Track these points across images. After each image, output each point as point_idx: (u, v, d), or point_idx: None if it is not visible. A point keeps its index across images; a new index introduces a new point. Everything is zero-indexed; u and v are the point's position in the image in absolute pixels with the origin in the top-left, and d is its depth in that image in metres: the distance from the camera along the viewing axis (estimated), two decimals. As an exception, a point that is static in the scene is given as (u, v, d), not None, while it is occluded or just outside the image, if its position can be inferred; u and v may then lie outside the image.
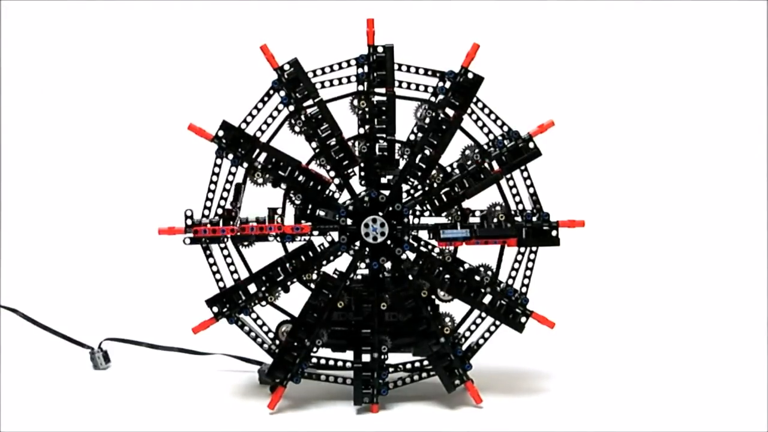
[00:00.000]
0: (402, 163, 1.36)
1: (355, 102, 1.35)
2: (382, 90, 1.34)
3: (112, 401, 1.40)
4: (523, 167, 1.36)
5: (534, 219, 1.36)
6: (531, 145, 1.35)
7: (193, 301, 1.49)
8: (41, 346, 1.65)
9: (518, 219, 1.37)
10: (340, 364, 1.42)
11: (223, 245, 1.37)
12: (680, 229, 2.07)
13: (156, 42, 2.14)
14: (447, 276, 1.35)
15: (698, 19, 2.11)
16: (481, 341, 1.39)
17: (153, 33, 2.15)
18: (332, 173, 1.36)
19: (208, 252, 1.37)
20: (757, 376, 1.47)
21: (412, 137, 1.37)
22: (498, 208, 1.37)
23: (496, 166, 1.36)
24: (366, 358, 1.35)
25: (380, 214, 1.35)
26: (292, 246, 1.37)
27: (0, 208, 2.22)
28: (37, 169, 2.20)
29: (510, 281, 1.38)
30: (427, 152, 1.34)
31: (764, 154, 2.11)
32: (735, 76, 2.11)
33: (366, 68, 1.34)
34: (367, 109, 1.34)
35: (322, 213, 1.36)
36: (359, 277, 1.39)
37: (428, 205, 1.36)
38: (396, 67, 1.34)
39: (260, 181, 1.35)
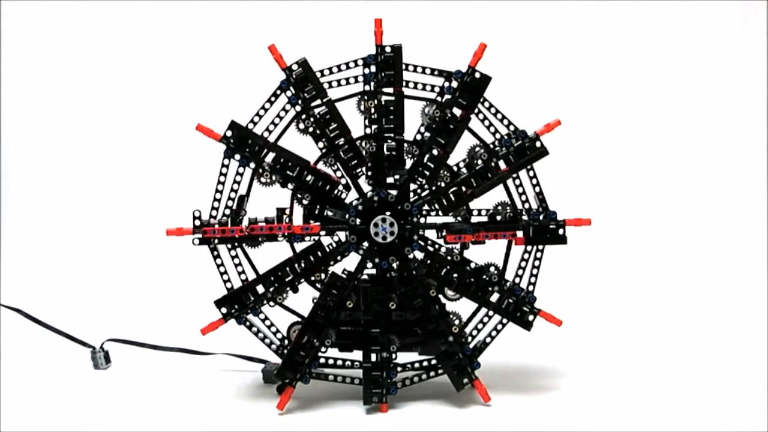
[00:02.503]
0: (410, 163, 1.36)
1: (363, 102, 1.35)
2: (390, 90, 1.34)
3: (113, 401, 1.40)
4: (529, 166, 1.37)
5: (541, 217, 1.37)
6: (538, 144, 1.35)
7: (196, 301, 1.50)
8: (43, 345, 1.65)
9: (525, 218, 1.38)
10: (348, 363, 1.42)
11: (230, 246, 1.37)
12: (686, 227, 2.09)
13: (165, 43, 2.16)
14: (455, 275, 1.36)
15: (702, 20, 2.13)
16: (488, 339, 1.40)
17: (162, 34, 2.16)
18: (340, 173, 1.36)
19: (215, 253, 1.37)
20: (757, 377, 1.48)
21: (419, 137, 1.37)
22: (500, 207, 1.38)
23: (503, 165, 1.37)
24: (374, 357, 1.35)
25: (389, 213, 1.35)
26: (300, 246, 1.37)
27: (1, 207, 2.22)
28: (43, 168, 2.21)
29: (517, 280, 1.39)
30: (434, 152, 1.35)
31: (765, 152, 2.13)
32: (737, 78, 2.13)
33: (374, 68, 1.34)
34: (374, 109, 1.34)
35: (330, 213, 1.36)
36: (365, 276, 1.39)
37: (436, 205, 1.36)
38: (403, 67, 1.34)
39: (268, 181, 1.35)
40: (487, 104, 1.36)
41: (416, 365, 1.41)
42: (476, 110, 1.35)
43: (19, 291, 1.98)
